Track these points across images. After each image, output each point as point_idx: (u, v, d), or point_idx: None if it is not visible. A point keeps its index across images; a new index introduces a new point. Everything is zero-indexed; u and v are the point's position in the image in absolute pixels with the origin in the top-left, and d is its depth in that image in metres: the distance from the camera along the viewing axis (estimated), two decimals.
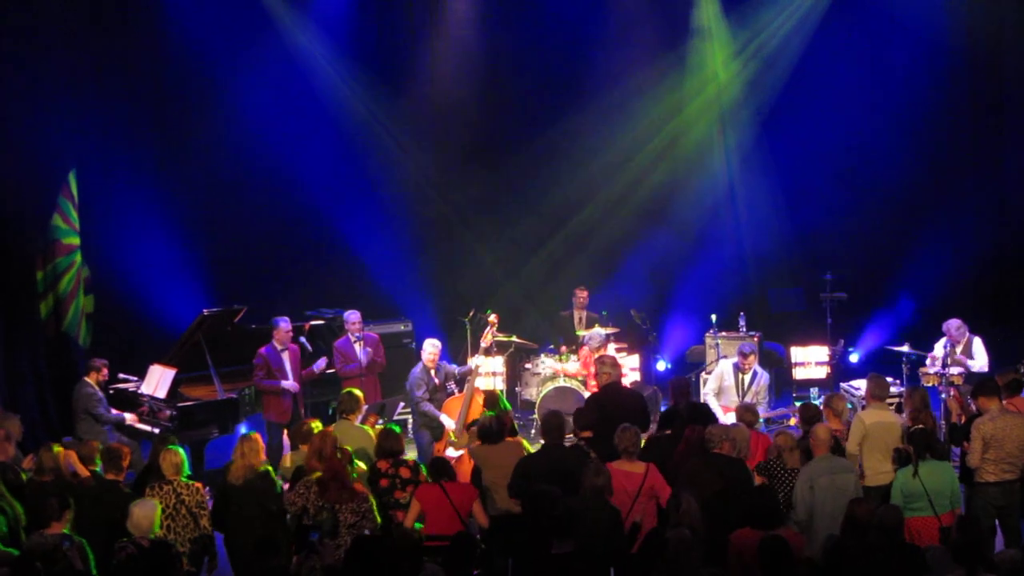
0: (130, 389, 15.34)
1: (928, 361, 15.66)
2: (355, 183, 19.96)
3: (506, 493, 10.69)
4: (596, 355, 15.01)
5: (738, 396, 15.06)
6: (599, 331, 16.55)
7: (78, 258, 17.34)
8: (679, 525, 8.92)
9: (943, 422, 13.76)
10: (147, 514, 9.36)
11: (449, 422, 14.09)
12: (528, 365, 17.85)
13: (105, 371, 14.79)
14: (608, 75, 20.25)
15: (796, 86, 20.12)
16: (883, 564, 8.62)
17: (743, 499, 9.76)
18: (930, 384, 15.14)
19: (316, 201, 19.54)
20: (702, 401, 15.10)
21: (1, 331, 16.23)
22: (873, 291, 19.90)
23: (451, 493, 10.35)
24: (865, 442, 11.34)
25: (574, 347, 17.53)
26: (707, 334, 18.33)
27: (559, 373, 16.81)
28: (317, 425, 11.42)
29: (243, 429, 14.69)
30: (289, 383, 14.90)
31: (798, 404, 16.34)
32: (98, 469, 10.84)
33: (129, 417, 14.71)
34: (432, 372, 14.73)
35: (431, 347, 14.85)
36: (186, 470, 10.57)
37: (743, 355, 15.19)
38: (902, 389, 15.50)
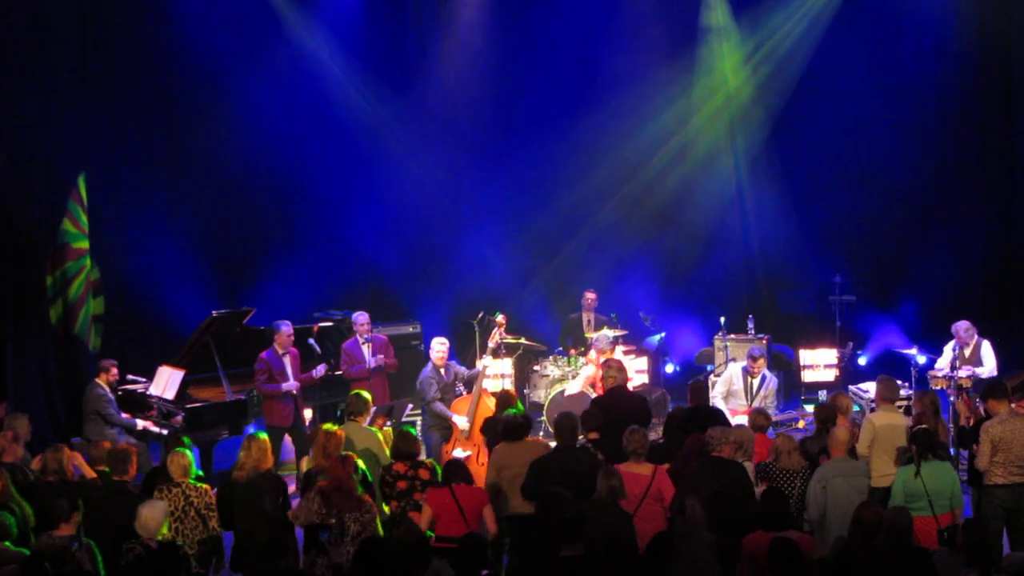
0: (139, 390, 15.36)
1: (937, 364, 15.65)
2: (364, 185, 19.97)
3: (520, 493, 10.70)
4: (603, 358, 15.03)
5: (747, 400, 15.05)
6: (607, 334, 16.56)
7: (87, 262, 17.41)
8: (683, 528, 8.94)
9: (951, 425, 13.74)
10: (155, 515, 9.36)
11: (461, 420, 14.11)
12: (537, 367, 17.84)
13: (114, 371, 14.81)
14: (618, 77, 20.20)
15: (805, 88, 20.07)
16: (892, 567, 8.60)
17: (738, 502, 9.80)
18: (938, 387, 15.10)
19: (325, 202, 19.61)
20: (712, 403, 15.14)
21: (10, 333, 16.29)
22: (882, 294, 19.88)
23: (460, 496, 10.33)
24: (874, 444, 11.34)
25: (583, 349, 17.55)
26: (716, 336, 18.33)
27: (567, 376, 16.83)
28: (330, 427, 11.42)
29: (251, 431, 14.72)
30: (290, 384, 14.90)
31: (807, 407, 16.42)
32: (107, 470, 10.86)
33: (141, 423, 14.71)
34: (442, 371, 14.75)
35: (439, 345, 14.87)
36: (194, 472, 10.58)
37: (752, 359, 15.17)
38: (911, 392, 15.50)
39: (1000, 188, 19.88)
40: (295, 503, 10.85)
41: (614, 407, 12.24)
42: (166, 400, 14.75)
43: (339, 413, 15.29)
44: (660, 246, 20.74)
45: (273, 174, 19.41)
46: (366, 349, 15.45)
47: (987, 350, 15.43)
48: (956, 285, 19.05)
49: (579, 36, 20.27)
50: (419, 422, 16.15)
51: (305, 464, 11.83)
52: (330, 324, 17.40)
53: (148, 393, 15.10)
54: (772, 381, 15.33)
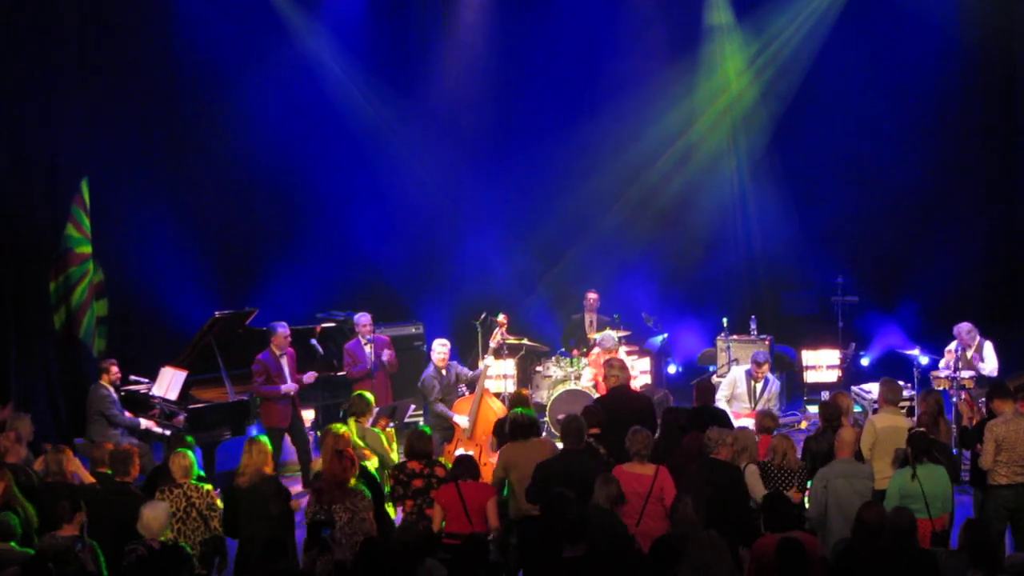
0: (141, 391, 15.36)
1: (940, 364, 15.66)
2: (366, 186, 19.98)
3: (524, 497, 10.71)
4: (606, 358, 15.05)
5: (750, 403, 15.04)
6: (611, 334, 16.57)
7: (90, 267, 17.44)
8: (676, 528, 8.97)
9: (954, 425, 13.74)
10: (157, 516, 9.35)
11: (462, 419, 14.13)
12: (539, 368, 17.85)
13: (115, 370, 14.77)
14: (620, 79, 20.16)
15: (807, 90, 20.09)
16: (894, 568, 8.59)
17: (734, 504, 9.87)
18: (941, 387, 15.11)
19: (328, 203, 19.62)
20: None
21: (13, 335, 16.33)
22: (884, 294, 19.87)
23: (465, 492, 10.35)
24: (876, 446, 11.34)
25: (585, 349, 17.56)
26: (718, 337, 18.33)
27: (570, 376, 16.85)
28: (338, 427, 11.41)
29: (254, 431, 14.73)
30: (288, 385, 14.91)
31: (810, 408, 16.42)
32: (109, 471, 10.86)
33: (145, 422, 14.72)
34: (443, 372, 14.78)
35: (440, 347, 14.93)
36: (196, 472, 10.58)
37: (757, 364, 15.17)
38: (913, 392, 15.51)
39: (1001, 189, 19.91)
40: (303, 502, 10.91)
41: (617, 406, 12.27)
42: (169, 401, 14.75)
43: (342, 414, 15.28)
44: (662, 247, 20.73)
45: (276, 175, 19.46)
46: (368, 350, 15.46)
47: (989, 351, 15.43)
48: (958, 286, 19.07)
49: (581, 38, 20.26)
50: (421, 423, 16.13)
51: (319, 464, 11.79)
52: (332, 325, 17.40)
53: (151, 394, 15.10)
54: (775, 384, 15.33)
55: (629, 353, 17.18)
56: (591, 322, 18.47)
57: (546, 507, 9.22)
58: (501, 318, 15.61)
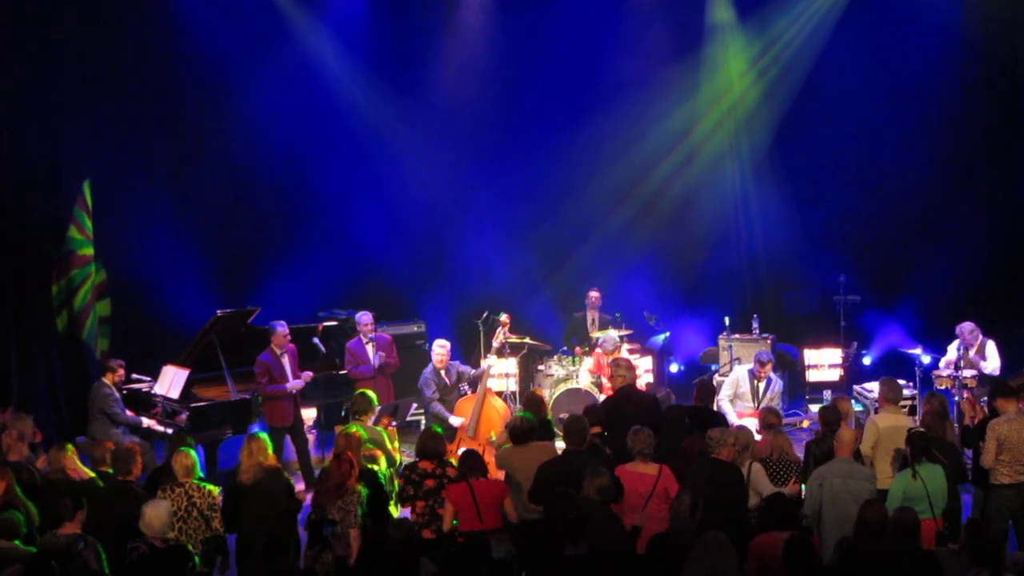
0: (143, 389, 15.37)
1: (941, 364, 15.67)
2: (368, 185, 19.98)
3: (527, 498, 10.71)
4: (610, 358, 15.05)
5: (754, 402, 15.03)
6: (612, 334, 16.58)
7: (92, 269, 17.44)
8: (672, 527, 8.99)
9: (956, 424, 13.73)
10: (159, 514, 9.35)
11: (457, 420, 14.13)
12: (541, 367, 17.85)
13: (121, 372, 14.82)
14: (622, 78, 20.16)
15: (810, 89, 20.08)
16: (897, 568, 8.58)
17: (733, 504, 9.90)
18: (943, 387, 15.15)
19: (329, 203, 19.65)
20: (716, 405, 15.15)
21: (14, 335, 16.35)
22: (886, 293, 19.87)
23: (477, 490, 10.35)
24: (878, 445, 11.33)
25: (587, 348, 17.56)
26: (720, 336, 18.33)
27: (572, 375, 16.86)
28: (350, 428, 11.41)
29: (256, 430, 14.73)
30: (293, 383, 14.92)
31: (812, 407, 16.42)
32: (110, 470, 10.86)
33: (147, 421, 14.72)
34: (442, 372, 14.80)
35: (440, 348, 14.96)
36: (198, 472, 10.58)
37: (760, 363, 15.14)
38: (915, 392, 15.53)
39: (1004, 188, 19.92)
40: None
41: (624, 406, 12.29)
42: (170, 399, 14.75)
43: (344, 413, 15.29)
44: (664, 246, 20.75)
45: (278, 174, 19.49)
46: (370, 349, 15.47)
47: (991, 350, 15.44)
48: (960, 285, 19.05)
49: (583, 37, 20.24)
50: (423, 422, 16.15)
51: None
52: (334, 323, 17.42)
53: (152, 392, 15.10)
54: (777, 384, 15.31)
55: (631, 352, 17.17)
56: (593, 320, 18.47)
57: (546, 507, 9.22)
58: (504, 317, 15.62)
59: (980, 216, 19.96)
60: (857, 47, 20.03)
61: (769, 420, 12.04)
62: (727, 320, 18.31)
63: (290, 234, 19.74)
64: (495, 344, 15.19)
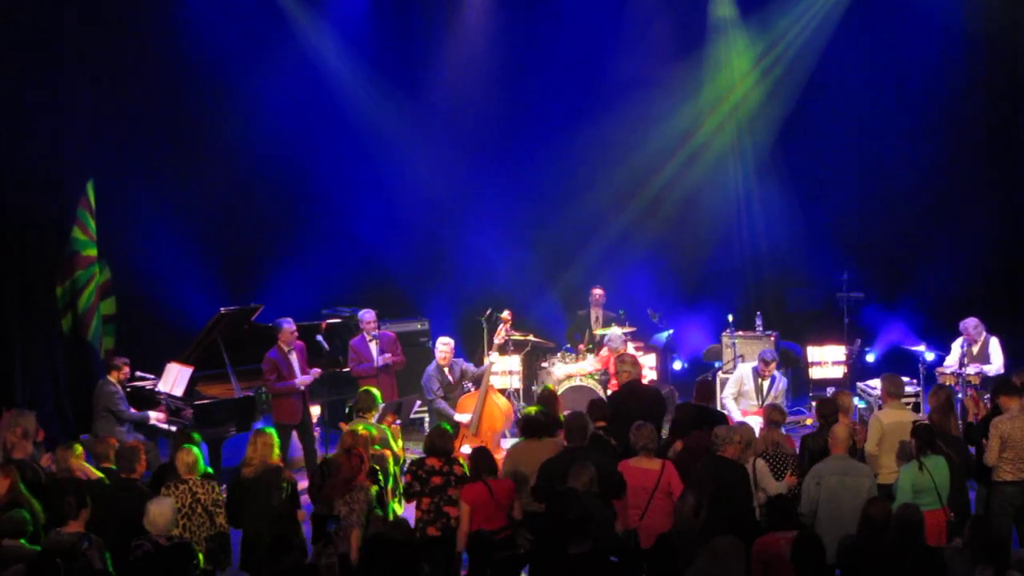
0: (147, 387, 15.38)
1: (946, 361, 15.67)
2: (371, 183, 20.02)
3: (531, 494, 10.72)
4: (616, 355, 15.09)
5: (758, 400, 15.03)
6: (617, 331, 16.59)
7: (96, 269, 17.46)
8: (676, 525, 8.98)
9: (960, 421, 13.73)
10: (163, 512, 9.34)
11: (463, 418, 14.14)
12: (544, 364, 17.85)
13: (127, 370, 14.87)
14: (625, 76, 20.16)
15: (813, 87, 20.13)
16: (901, 564, 8.58)
17: (737, 502, 9.90)
18: (947, 383, 15.13)
19: (333, 200, 19.67)
20: (720, 402, 15.17)
21: (18, 335, 16.38)
22: (890, 291, 19.89)
23: (494, 488, 10.36)
24: (883, 441, 11.33)
25: (591, 345, 17.57)
26: (724, 333, 18.31)
27: (575, 374, 16.86)
28: (356, 427, 11.42)
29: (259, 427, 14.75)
30: (302, 378, 14.93)
31: (814, 405, 16.41)
32: (113, 467, 10.87)
33: (154, 416, 14.73)
34: (445, 370, 14.82)
35: (443, 345, 14.98)
36: (201, 469, 10.58)
37: (764, 362, 15.14)
38: (918, 388, 15.54)
39: (1007, 185, 19.92)
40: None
41: (629, 401, 12.31)
42: (174, 397, 14.77)
43: (347, 410, 15.30)
44: (668, 243, 20.78)
45: (281, 172, 19.50)
46: (373, 347, 15.48)
47: (995, 347, 15.44)
48: (964, 282, 19.08)
49: (585, 35, 20.24)
50: (427, 419, 16.15)
51: None
52: (338, 321, 17.42)
53: (156, 390, 15.11)
54: (781, 382, 15.31)
55: (636, 349, 17.18)
56: (597, 318, 18.48)
57: (551, 504, 9.22)
58: (505, 314, 15.61)
59: (983, 213, 19.94)
60: (859, 46, 20.06)
61: (774, 417, 12.05)
62: (730, 317, 18.30)
63: (293, 232, 19.77)
64: (497, 341, 15.19)
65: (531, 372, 18.21)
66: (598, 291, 18.58)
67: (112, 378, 14.60)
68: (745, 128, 20.81)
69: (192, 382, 14.89)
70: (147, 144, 18.47)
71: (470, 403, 14.24)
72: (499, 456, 13.26)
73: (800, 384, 18.54)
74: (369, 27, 20.07)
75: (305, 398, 15.12)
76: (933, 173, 19.95)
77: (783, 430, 12.12)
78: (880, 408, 12.20)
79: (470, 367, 15.19)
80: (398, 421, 13.28)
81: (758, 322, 18.30)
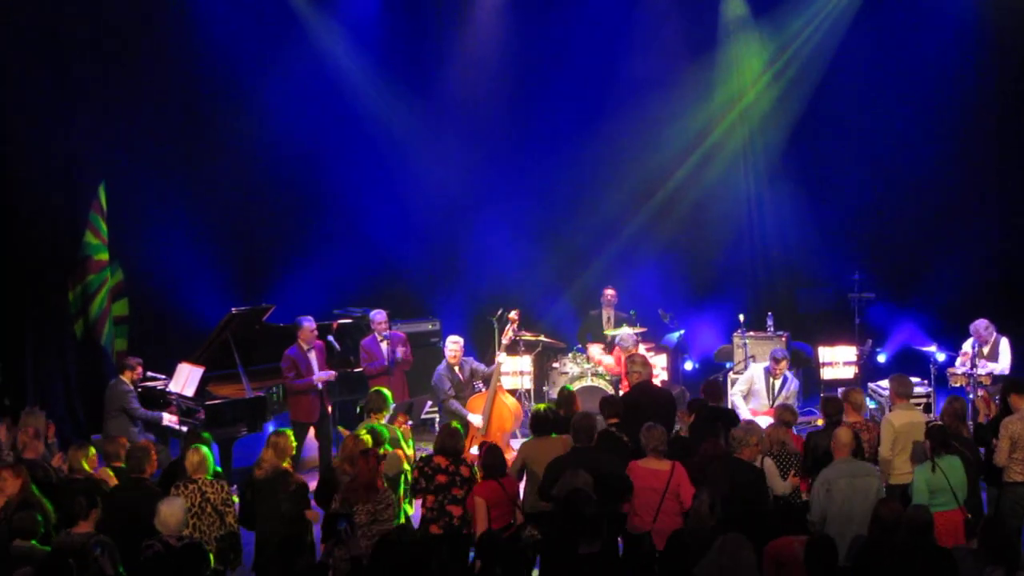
0: (158, 387, 15.41)
1: (957, 362, 15.65)
2: (382, 183, 20.04)
3: (537, 492, 10.74)
4: (627, 355, 15.09)
5: (768, 400, 15.02)
6: (629, 331, 16.59)
7: (108, 273, 17.51)
8: (690, 524, 8.97)
9: (971, 422, 13.70)
10: (174, 512, 9.36)
11: (476, 418, 14.14)
12: (556, 364, 17.85)
13: (140, 370, 14.96)
14: (637, 76, 20.15)
15: (824, 88, 20.11)
16: (912, 565, 8.58)
17: (752, 504, 9.89)
18: (957, 384, 15.14)
19: (343, 201, 19.69)
20: (729, 401, 15.15)
21: (31, 337, 16.43)
22: (901, 291, 19.85)
23: (507, 487, 10.43)
24: (896, 443, 11.30)
25: (602, 347, 17.57)
26: (735, 334, 18.31)
27: (587, 372, 16.87)
28: (359, 433, 11.42)
29: (271, 428, 14.77)
30: (319, 374, 14.96)
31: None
32: (123, 466, 10.89)
33: (167, 417, 14.75)
34: (456, 368, 14.82)
35: (453, 344, 14.99)
36: (211, 468, 10.59)
37: (775, 360, 15.15)
38: (929, 389, 15.51)
39: (1019, 185, 19.85)
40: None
41: (641, 400, 12.31)
42: (185, 397, 14.79)
43: (358, 411, 15.32)
44: (680, 243, 20.78)
45: (292, 172, 19.55)
46: (384, 347, 15.50)
47: (1004, 347, 15.43)
48: (975, 283, 19.05)
49: (597, 35, 20.26)
50: (438, 419, 16.17)
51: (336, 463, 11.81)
52: (349, 321, 17.44)
53: (168, 390, 15.14)
54: (793, 383, 15.29)
55: (647, 350, 17.18)
56: (608, 318, 18.47)
57: (564, 504, 9.23)
58: (512, 314, 15.62)
59: (994, 214, 19.94)
60: (871, 47, 20.02)
61: (785, 418, 12.06)
62: (742, 317, 18.29)
63: (304, 232, 19.82)
64: (504, 341, 15.20)
65: (542, 372, 18.21)
66: (610, 291, 18.57)
67: (125, 378, 14.66)
68: (757, 129, 20.81)
69: (203, 382, 14.91)
70: (159, 145, 18.50)
71: (479, 403, 14.24)
72: (509, 456, 13.30)
73: (811, 384, 18.49)
74: (381, 27, 20.10)
75: (323, 397, 15.17)
76: (944, 173, 19.92)
77: (795, 430, 12.14)
78: (891, 410, 12.18)
79: (480, 366, 15.19)
80: (409, 422, 13.29)
81: (769, 322, 18.30)
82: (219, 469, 11.07)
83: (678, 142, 20.68)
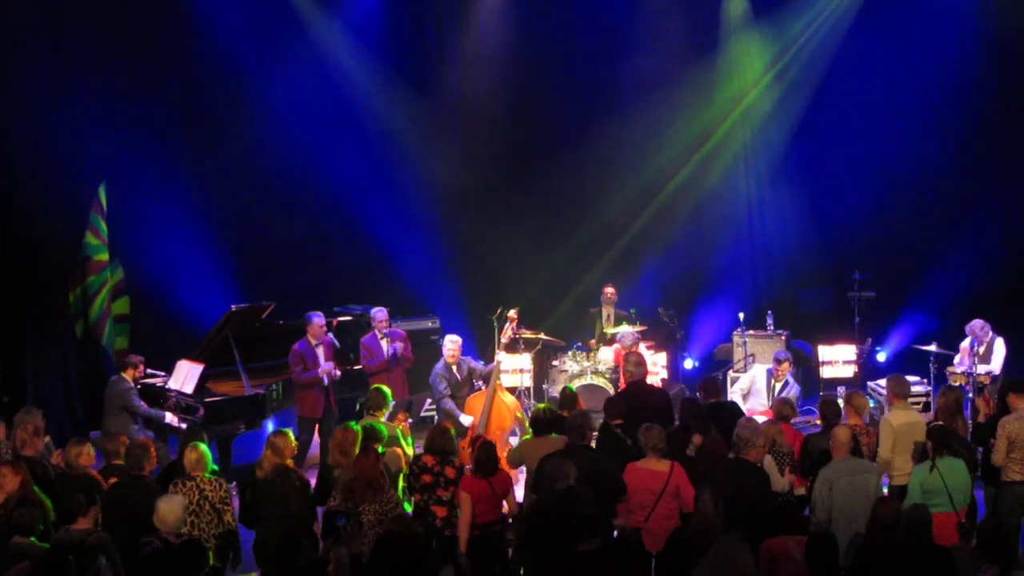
0: (157, 384, 15.41)
1: (955, 360, 15.67)
2: (384, 182, 20.05)
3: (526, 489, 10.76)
4: (626, 351, 15.10)
5: (768, 401, 15.03)
6: (629, 329, 16.59)
7: (108, 273, 17.51)
8: (696, 525, 8.96)
9: (970, 421, 13.71)
10: (173, 509, 9.36)
11: (467, 419, 14.14)
12: (556, 362, 17.86)
13: (142, 368, 14.92)
14: (639, 76, 20.19)
15: (825, 87, 20.15)
16: (911, 564, 8.59)
17: (756, 504, 9.88)
18: (957, 383, 15.12)
19: (345, 199, 19.68)
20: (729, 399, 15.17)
21: (30, 336, 16.45)
22: (901, 290, 19.87)
23: (495, 484, 10.42)
24: (896, 444, 11.30)
25: (601, 345, 17.57)
26: (735, 332, 18.34)
27: (587, 371, 16.88)
28: (349, 425, 11.42)
29: (270, 425, 14.79)
30: (325, 365, 14.97)
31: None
32: (123, 463, 10.90)
33: (170, 416, 14.75)
34: (454, 368, 14.83)
35: (451, 343, 15.01)
36: (210, 466, 10.59)
37: (778, 362, 15.16)
38: (928, 389, 15.52)
39: (1019, 184, 19.85)
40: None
41: (635, 400, 12.35)
42: (184, 394, 14.78)
43: (358, 408, 15.33)
44: (680, 241, 20.77)
45: (293, 170, 19.58)
46: (384, 344, 15.50)
47: (999, 346, 15.45)
48: (975, 283, 19.04)
49: (599, 34, 20.34)
50: (436, 417, 16.17)
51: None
52: (349, 319, 17.44)
53: (167, 387, 15.14)
54: (795, 388, 15.28)
55: (648, 348, 17.20)
56: (608, 316, 18.47)
57: (561, 502, 9.23)
58: (511, 313, 15.62)
59: (995, 214, 19.92)
60: (872, 47, 20.02)
61: (783, 412, 12.08)
62: (741, 316, 18.32)
63: (305, 230, 19.87)
64: (503, 340, 15.21)
65: (542, 371, 18.21)
66: (610, 289, 18.57)
67: (127, 375, 14.66)
68: (758, 128, 20.81)
69: (203, 379, 14.91)
70: (160, 143, 18.48)
71: (478, 402, 14.23)
72: (507, 453, 13.32)
73: (811, 383, 18.51)
74: (382, 26, 20.10)
75: (329, 393, 15.16)
76: (944, 173, 19.96)
77: (797, 427, 12.14)
78: (889, 410, 12.18)
79: (478, 365, 15.21)
80: (409, 419, 13.29)
81: (769, 321, 18.31)
82: (215, 467, 11.05)
83: (680, 142, 20.73)
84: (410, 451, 12.39)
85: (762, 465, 10.59)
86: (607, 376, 16.74)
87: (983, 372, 15.07)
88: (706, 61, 20.59)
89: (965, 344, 15.52)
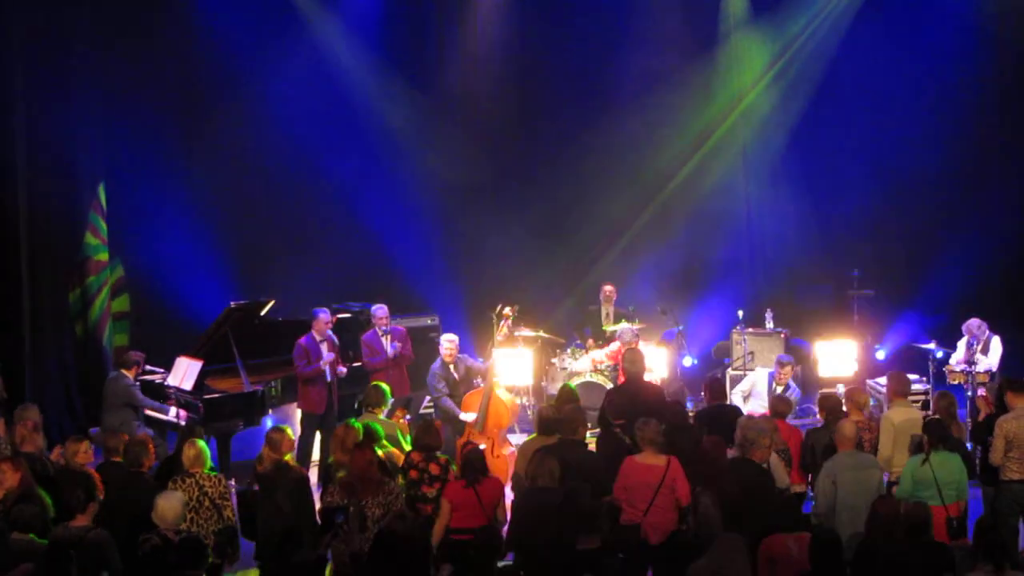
0: (156, 381, 15.42)
1: (952, 358, 15.67)
2: (383, 179, 20.07)
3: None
4: (626, 348, 15.12)
5: (768, 402, 15.03)
6: (627, 327, 16.60)
7: (108, 273, 17.51)
8: (698, 526, 8.97)
9: (968, 420, 13.72)
10: (172, 506, 9.36)
11: (468, 416, 14.15)
12: (555, 360, 17.86)
13: (142, 364, 14.94)
14: (638, 73, 20.16)
15: (825, 85, 20.12)
16: (910, 561, 8.60)
17: (759, 505, 9.86)
18: (956, 381, 15.15)
19: (344, 196, 19.72)
20: (729, 400, 15.16)
21: (29, 334, 16.45)
22: (900, 288, 19.84)
23: (481, 491, 10.29)
24: (896, 441, 11.30)
25: (601, 342, 17.58)
26: (734, 330, 18.34)
27: (585, 371, 16.88)
28: (350, 422, 11.44)
29: (269, 422, 14.79)
30: (325, 357, 14.98)
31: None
32: (122, 460, 10.90)
33: (173, 410, 14.74)
34: (451, 367, 14.83)
35: (448, 342, 15.00)
36: (208, 462, 10.59)
37: (780, 365, 15.17)
38: (927, 387, 15.52)
39: (1020, 184, 19.84)
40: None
41: (629, 397, 12.33)
42: (183, 391, 14.79)
43: (357, 405, 15.33)
44: (679, 239, 20.74)
45: (292, 167, 19.58)
46: (385, 341, 15.50)
47: (995, 344, 15.45)
48: (975, 280, 18.99)
49: (599, 32, 20.30)
50: (434, 414, 16.18)
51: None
52: (348, 316, 17.44)
53: (165, 384, 15.14)
54: (796, 392, 15.27)
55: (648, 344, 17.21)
56: (607, 314, 18.47)
57: (561, 500, 9.24)
58: (506, 311, 15.62)
59: (995, 212, 19.87)
60: (872, 46, 19.97)
61: (779, 408, 12.08)
62: (740, 313, 18.34)
63: (304, 227, 19.91)
64: (498, 337, 15.21)
65: (542, 368, 18.21)
66: (608, 287, 18.56)
67: (129, 372, 14.68)
68: (757, 127, 20.80)
69: (202, 376, 14.92)
70: (159, 140, 18.47)
71: (475, 400, 14.24)
72: (506, 452, 13.35)
73: (809, 381, 18.51)
74: (381, 23, 20.11)
75: (331, 389, 15.15)
76: (945, 170, 19.88)
77: (797, 426, 12.14)
78: (889, 407, 12.19)
79: (476, 363, 15.20)
80: (408, 416, 13.30)
81: (768, 319, 18.30)
82: (213, 464, 11.05)
83: (679, 139, 20.70)
84: (408, 449, 12.40)
85: (768, 465, 10.60)
86: (607, 374, 16.73)
87: (982, 370, 15.07)
88: (706, 60, 20.57)
89: (962, 343, 15.53)
